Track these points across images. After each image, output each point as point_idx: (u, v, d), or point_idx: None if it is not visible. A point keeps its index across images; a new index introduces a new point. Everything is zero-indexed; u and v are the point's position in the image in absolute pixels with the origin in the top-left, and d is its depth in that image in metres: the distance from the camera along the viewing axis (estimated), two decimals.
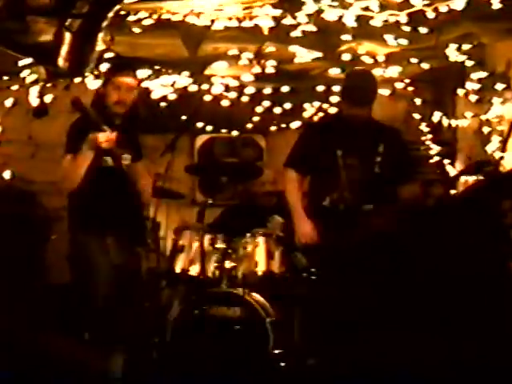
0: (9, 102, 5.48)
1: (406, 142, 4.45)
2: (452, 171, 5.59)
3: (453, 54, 5.11)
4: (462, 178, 5.16)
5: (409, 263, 3.87)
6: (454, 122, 5.72)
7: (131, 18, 4.61)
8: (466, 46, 5.06)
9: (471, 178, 4.81)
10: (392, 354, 3.59)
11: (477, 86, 5.35)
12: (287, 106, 6.02)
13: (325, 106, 5.97)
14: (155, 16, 4.60)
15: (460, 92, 5.52)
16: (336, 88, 5.63)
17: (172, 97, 5.77)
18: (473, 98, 5.40)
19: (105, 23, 4.29)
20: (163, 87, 5.68)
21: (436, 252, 3.85)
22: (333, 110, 5.77)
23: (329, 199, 4.08)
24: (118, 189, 3.92)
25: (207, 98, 5.78)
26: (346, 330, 3.78)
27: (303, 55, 5.18)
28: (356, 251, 3.88)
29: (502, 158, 4.94)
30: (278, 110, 6.05)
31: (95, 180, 3.86)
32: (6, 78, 5.35)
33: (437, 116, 5.85)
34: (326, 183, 4.11)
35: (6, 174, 5.67)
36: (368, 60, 5.23)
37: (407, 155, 4.34)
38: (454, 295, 3.65)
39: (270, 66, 5.39)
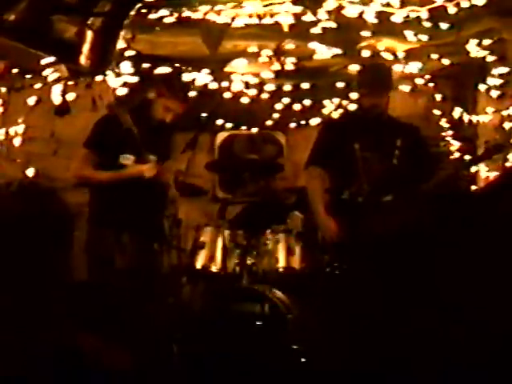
0: (32, 101, 5.53)
1: (426, 140, 4.43)
2: (473, 167, 5.56)
3: (474, 49, 5.07)
4: (483, 174, 5.15)
5: (429, 255, 3.86)
6: (474, 118, 5.68)
7: (152, 16, 4.64)
8: (486, 42, 5.02)
9: (492, 174, 4.79)
10: (415, 349, 3.58)
11: (498, 82, 5.31)
12: (307, 102, 6.02)
13: (344, 102, 5.96)
14: (176, 14, 4.63)
15: (481, 88, 5.49)
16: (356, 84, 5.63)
17: (192, 94, 5.79)
18: (494, 93, 5.36)
19: (126, 21, 4.33)
20: None
21: (457, 246, 3.84)
22: (352, 107, 5.76)
23: (348, 192, 4.10)
24: (140, 186, 3.95)
25: (227, 95, 5.80)
26: (368, 325, 3.79)
27: (323, 52, 5.17)
28: (377, 243, 3.88)
29: None
30: (297, 107, 6.05)
31: None
32: (28, 76, 5.40)
33: (457, 112, 5.81)
34: (344, 177, 4.14)
35: (30, 172, 5.72)
36: (388, 56, 5.22)
37: (426, 152, 4.33)
38: (479, 291, 3.65)
39: (290, 63, 5.39)
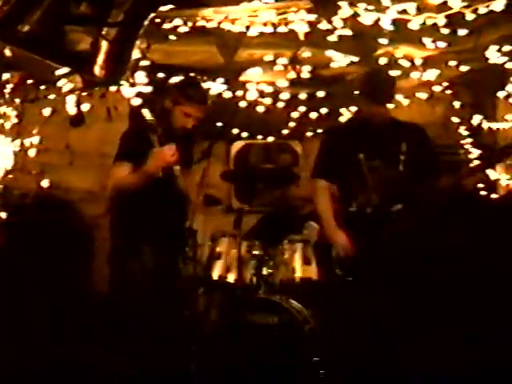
0: (46, 111, 5.53)
1: (430, 139, 4.25)
2: (493, 175, 5.48)
3: (493, 55, 5.00)
4: (504, 182, 5.08)
5: (442, 263, 3.80)
6: (494, 125, 5.61)
7: (166, 25, 4.62)
8: (506, 48, 4.96)
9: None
10: (430, 361, 3.53)
11: None
12: (323, 111, 5.98)
13: None
14: (190, 23, 4.61)
15: (500, 94, 5.42)
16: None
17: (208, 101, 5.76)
18: None
19: (141, 31, 4.32)
20: None
21: (473, 255, 3.78)
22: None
23: (355, 204, 4.00)
24: (163, 196, 3.90)
25: (242, 104, 5.77)
26: (383, 337, 3.74)
27: (339, 60, 5.14)
28: (387, 255, 3.80)
29: None
30: (313, 116, 6.01)
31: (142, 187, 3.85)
32: (43, 87, 5.40)
33: (476, 119, 5.75)
34: (351, 188, 4.02)
35: (45, 183, 5.71)
36: (405, 63, 5.17)
37: (432, 151, 4.13)
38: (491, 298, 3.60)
39: (306, 72, 5.36)
